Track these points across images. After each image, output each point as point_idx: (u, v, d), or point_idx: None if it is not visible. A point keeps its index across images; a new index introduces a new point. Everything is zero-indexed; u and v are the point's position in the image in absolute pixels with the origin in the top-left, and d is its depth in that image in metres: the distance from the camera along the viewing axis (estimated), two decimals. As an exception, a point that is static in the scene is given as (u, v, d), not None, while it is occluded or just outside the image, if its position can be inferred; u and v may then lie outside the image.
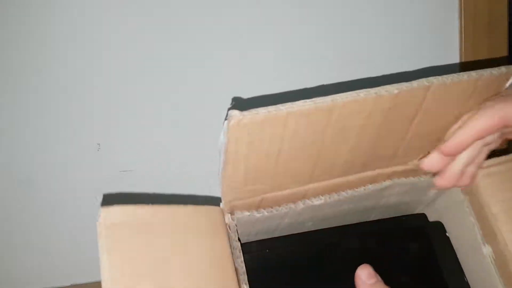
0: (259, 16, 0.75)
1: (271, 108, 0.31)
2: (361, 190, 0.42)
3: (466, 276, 0.46)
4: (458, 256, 0.47)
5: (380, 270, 0.42)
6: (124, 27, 0.71)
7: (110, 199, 0.71)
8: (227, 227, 0.39)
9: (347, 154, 0.38)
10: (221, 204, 0.40)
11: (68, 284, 0.76)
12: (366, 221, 0.49)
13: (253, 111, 0.31)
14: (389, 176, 0.43)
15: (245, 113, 0.31)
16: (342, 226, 0.48)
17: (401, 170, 0.43)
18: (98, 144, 0.74)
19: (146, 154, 0.75)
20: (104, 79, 0.72)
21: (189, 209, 0.37)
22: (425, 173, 0.44)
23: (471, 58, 0.82)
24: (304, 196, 0.41)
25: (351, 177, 0.41)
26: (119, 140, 0.74)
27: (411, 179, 0.44)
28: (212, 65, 0.75)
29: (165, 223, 0.35)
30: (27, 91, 0.70)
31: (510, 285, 0.42)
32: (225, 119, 0.31)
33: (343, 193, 0.42)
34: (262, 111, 0.31)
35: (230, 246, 0.38)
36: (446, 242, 0.48)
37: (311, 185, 0.40)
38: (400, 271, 0.46)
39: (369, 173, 0.41)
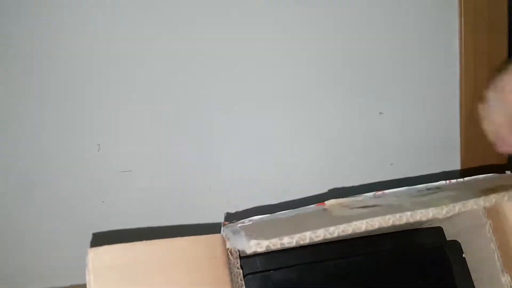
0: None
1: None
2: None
3: None
4: (473, 279, 0.45)
5: (393, 285, 0.43)
6: (125, 27, 0.71)
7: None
8: (228, 252, 0.37)
9: None
10: (223, 231, 0.38)
11: (68, 284, 0.76)
12: (380, 234, 0.47)
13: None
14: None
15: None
16: (353, 238, 0.46)
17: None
18: (98, 144, 0.74)
19: (146, 154, 0.75)
20: (104, 79, 0.72)
21: (184, 242, 0.35)
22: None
23: (471, 57, 0.81)
24: None
25: None
26: (119, 140, 0.74)
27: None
28: (213, 68, 0.75)
29: (157, 260, 0.34)
30: (27, 91, 0.70)
31: None
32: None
33: None
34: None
35: (231, 273, 0.37)
36: (462, 264, 0.46)
37: None
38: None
39: None
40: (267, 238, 0.33)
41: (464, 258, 0.46)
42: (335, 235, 0.33)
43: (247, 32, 0.75)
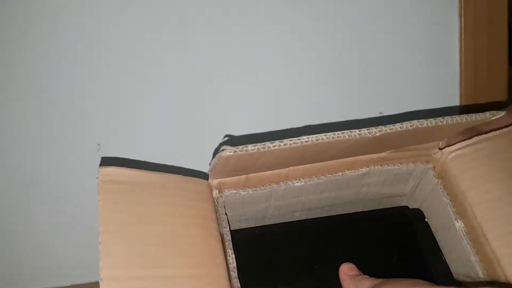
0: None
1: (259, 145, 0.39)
2: (339, 175, 0.47)
3: (444, 253, 0.50)
4: (436, 237, 0.51)
5: (364, 255, 0.49)
6: (126, 27, 0.72)
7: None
8: (215, 201, 0.44)
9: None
10: (209, 180, 0.44)
11: (68, 284, 0.77)
12: (351, 212, 0.54)
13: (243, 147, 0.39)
14: (366, 164, 0.48)
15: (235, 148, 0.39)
16: (327, 216, 0.53)
17: (376, 158, 0.48)
18: (98, 144, 0.74)
19: (146, 154, 0.76)
20: (104, 79, 0.73)
21: (179, 177, 0.43)
22: (401, 161, 0.49)
23: (471, 57, 0.82)
24: (285, 178, 0.46)
25: (329, 162, 0.46)
26: (119, 140, 0.75)
27: (387, 167, 0.49)
28: (213, 69, 0.76)
29: (155, 184, 0.41)
30: (27, 91, 0.71)
31: (480, 255, 0.46)
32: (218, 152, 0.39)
33: (322, 177, 0.47)
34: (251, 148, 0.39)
35: (217, 217, 0.43)
36: (425, 227, 0.52)
37: (291, 168, 0.45)
38: (384, 256, 0.51)
39: (346, 159, 0.46)
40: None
41: (427, 222, 0.52)
42: (288, 145, 0.39)
43: (246, 29, 0.76)
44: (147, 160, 0.76)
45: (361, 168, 0.48)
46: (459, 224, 0.47)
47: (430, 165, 0.50)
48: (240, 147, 0.39)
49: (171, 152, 0.77)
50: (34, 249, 0.76)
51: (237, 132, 0.78)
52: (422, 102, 0.83)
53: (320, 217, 0.52)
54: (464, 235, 0.46)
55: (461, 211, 0.47)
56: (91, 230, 0.73)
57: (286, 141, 0.39)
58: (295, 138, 0.39)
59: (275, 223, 0.52)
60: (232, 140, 0.77)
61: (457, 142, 0.48)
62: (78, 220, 0.76)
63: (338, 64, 0.80)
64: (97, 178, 0.39)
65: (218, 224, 0.43)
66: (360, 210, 0.54)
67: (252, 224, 0.51)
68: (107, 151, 0.75)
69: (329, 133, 0.40)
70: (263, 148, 0.39)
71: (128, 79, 0.74)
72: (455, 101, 0.84)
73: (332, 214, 0.53)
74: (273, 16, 0.76)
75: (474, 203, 0.45)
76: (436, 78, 0.83)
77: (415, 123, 0.42)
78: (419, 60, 0.83)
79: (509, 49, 0.85)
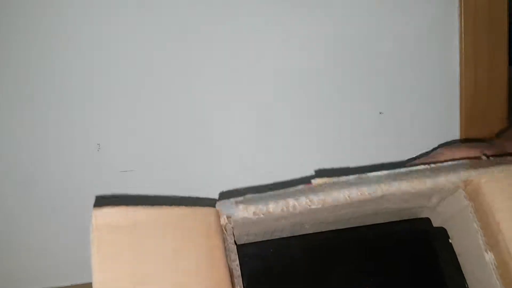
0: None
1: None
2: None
3: (468, 282, 0.46)
4: (460, 261, 0.47)
5: (382, 274, 0.45)
6: (126, 27, 0.72)
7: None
8: (223, 228, 0.40)
9: None
10: (217, 205, 0.41)
11: (68, 284, 0.76)
12: (369, 224, 0.49)
13: None
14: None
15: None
16: (343, 229, 0.48)
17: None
18: (98, 144, 0.74)
19: (146, 154, 0.75)
20: (104, 79, 0.72)
21: (182, 210, 0.38)
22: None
23: (471, 57, 0.81)
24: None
25: None
26: (119, 140, 0.74)
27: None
28: (211, 67, 0.76)
29: (157, 224, 0.36)
30: (27, 91, 0.71)
31: None
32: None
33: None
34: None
35: (225, 248, 0.39)
36: (449, 249, 0.47)
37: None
38: (401, 276, 0.47)
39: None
40: (254, 204, 0.37)
41: (451, 243, 0.47)
42: (315, 201, 0.37)
43: (245, 28, 0.75)
44: (146, 160, 0.76)
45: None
46: (489, 257, 0.42)
47: (461, 183, 0.45)
48: (260, 206, 0.37)
49: (172, 151, 0.76)
50: (34, 249, 0.75)
51: (240, 138, 0.78)
52: (422, 102, 0.82)
53: (334, 230, 0.48)
54: (493, 269, 0.42)
55: (493, 242, 0.42)
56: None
57: (312, 197, 0.38)
58: (324, 194, 0.38)
59: (286, 236, 0.47)
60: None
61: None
62: (78, 220, 0.75)
63: (338, 64, 0.79)
64: (90, 224, 0.36)
65: (227, 257, 0.39)
66: (378, 222, 0.49)
67: (260, 238, 0.47)
68: (107, 151, 0.75)
69: (364, 188, 0.39)
70: (286, 206, 0.37)
71: (128, 79, 0.73)
72: (455, 101, 0.83)
73: (348, 227, 0.49)
74: (273, 17, 0.76)
75: (509, 238, 0.41)
76: (436, 78, 0.83)
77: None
78: (419, 60, 0.82)
79: (509, 49, 0.84)
